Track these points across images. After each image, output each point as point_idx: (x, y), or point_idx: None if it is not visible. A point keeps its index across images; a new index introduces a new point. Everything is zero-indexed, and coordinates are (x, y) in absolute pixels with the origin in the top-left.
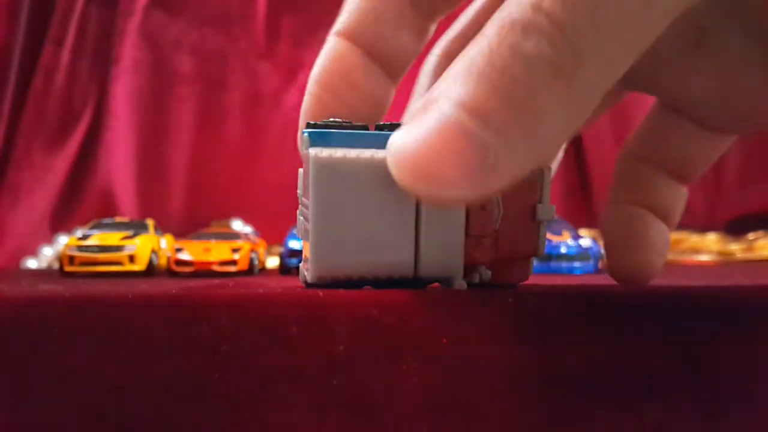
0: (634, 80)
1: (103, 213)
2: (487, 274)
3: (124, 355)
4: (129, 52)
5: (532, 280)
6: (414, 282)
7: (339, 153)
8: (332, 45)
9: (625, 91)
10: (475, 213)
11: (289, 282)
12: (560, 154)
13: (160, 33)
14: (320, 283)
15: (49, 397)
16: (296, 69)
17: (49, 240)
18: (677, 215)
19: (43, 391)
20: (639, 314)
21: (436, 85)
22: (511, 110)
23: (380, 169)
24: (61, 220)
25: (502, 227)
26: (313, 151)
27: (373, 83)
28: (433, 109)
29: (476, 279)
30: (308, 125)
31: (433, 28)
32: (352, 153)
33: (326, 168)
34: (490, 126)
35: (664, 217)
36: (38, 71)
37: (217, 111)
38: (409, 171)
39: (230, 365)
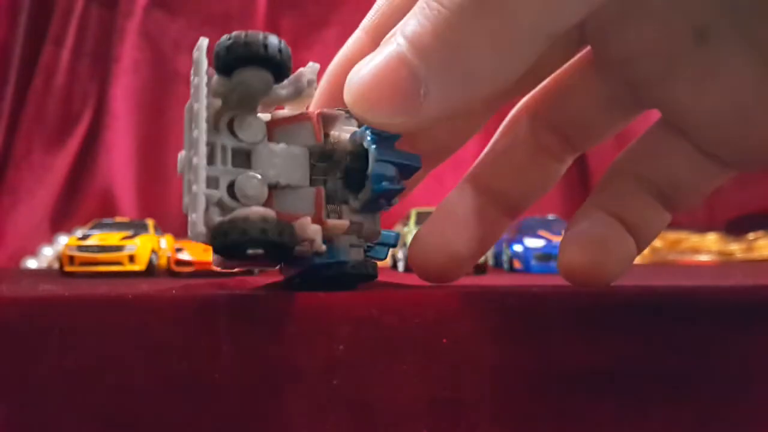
0: (644, 95)
1: (103, 213)
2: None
3: (123, 356)
4: (129, 52)
5: (533, 280)
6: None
7: None
8: (354, 39)
9: (634, 110)
10: None
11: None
12: (562, 171)
13: (160, 33)
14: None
15: (50, 398)
16: (296, 69)
17: (49, 240)
18: (650, 238)
19: (44, 391)
20: (639, 315)
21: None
22: (440, 42)
23: None
24: (61, 220)
25: None
26: None
27: None
28: (389, 44)
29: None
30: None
31: None
32: None
33: None
34: (424, 57)
35: (636, 236)
36: (38, 71)
37: None
38: (352, 94)
39: (230, 365)
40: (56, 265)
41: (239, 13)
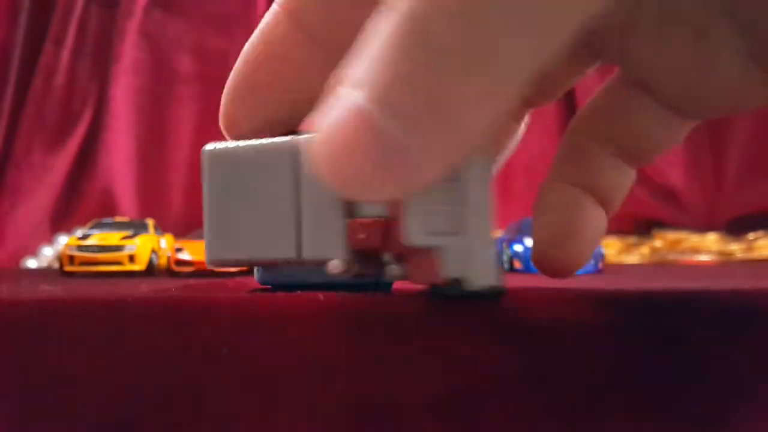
0: (602, 51)
1: (103, 213)
2: (395, 270)
3: (123, 358)
4: (129, 52)
5: (533, 281)
6: (299, 264)
7: (224, 144)
8: (272, 18)
9: (592, 61)
10: None
11: None
12: (521, 130)
13: (160, 33)
14: (218, 266)
15: (49, 400)
16: None
17: (49, 240)
18: (620, 199)
19: (43, 393)
20: (641, 315)
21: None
22: (417, 101)
23: (259, 154)
24: (61, 220)
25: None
26: (205, 147)
27: (313, 67)
28: (343, 95)
29: (389, 272)
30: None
31: None
32: (236, 143)
33: (214, 159)
34: (400, 119)
35: (604, 201)
36: (38, 71)
37: (217, 111)
38: (323, 173)
39: (230, 368)
40: (56, 265)
41: (239, 13)
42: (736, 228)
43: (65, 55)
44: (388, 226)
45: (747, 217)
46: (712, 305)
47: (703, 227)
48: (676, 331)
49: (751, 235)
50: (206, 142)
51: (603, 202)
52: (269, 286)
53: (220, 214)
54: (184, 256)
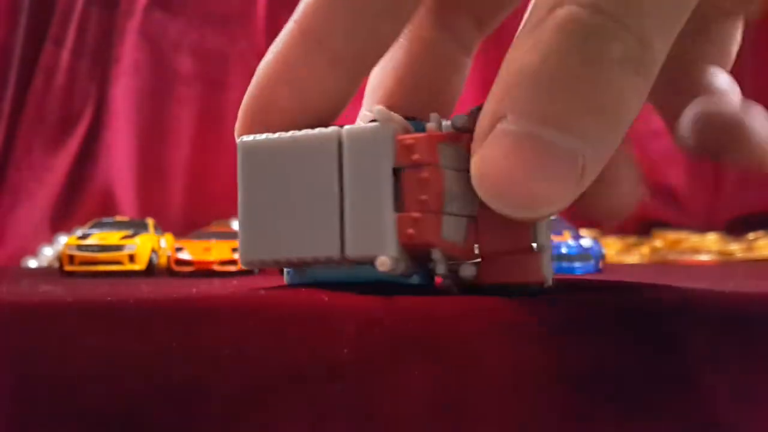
0: None
1: (103, 213)
2: (469, 270)
3: (123, 358)
4: (129, 52)
5: None
6: (342, 263)
7: (263, 136)
8: (288, 39)
9: None
10: (409, 186)
11: None
12: None
13: (160, 33)
14: (253, 266)
15: (49, 400)
16: None
17: (49, 240)
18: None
19: (43, 393)
20: (642, 315)
21: (494, 98)
22: (592, 114)
23: (300, 145)
24: (61, 220)
25: (483, 214)
26: (240, 138)
27: (332, 85)
28: (507, 130)
29: (441, 269)
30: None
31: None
32: (275, 134)
33: (250, 152)
34: (575, 133)
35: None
36: (38, 71)
37: (217, 111)
38: (503, 200)
39: (232, 369)
40: (56, 265)
41: (239, 13)
42: (736, 228)
43: (65, 55)
44: (439, 222)
45: (747, 217)
46: (712, 305)
47: (703, 227)
48: (676, 331)
49: (751, 235)
50: (206, 143)
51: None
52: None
53: (256, 211)
54: (184, 255)
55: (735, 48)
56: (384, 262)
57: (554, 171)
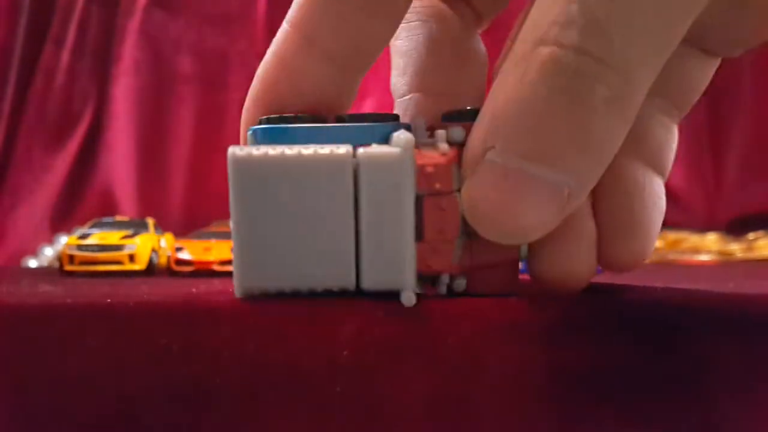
0: None
1: (103, 212)
2: (461, 284)
3: (124, 360)
4: (129, 52)
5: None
6: (357, 295)
7: (261, 150)
8: (284, 37)
9: None
10: (430, 215)
11: None
12: None
13: (160, 33)
14: (251, 295)
15: (49, 400)
16: None
17: (49, 240)
18: (670, 162)
19: (43, 393)
20: (642, 316)
21: (478, 135)
22: (577, 150)
23: (310, 165)
24: (61, 220)
25: (476, 235)
26: (232, 150)
27: (329, 81)
28: (496, 163)
29: (443, 290)
30: (259, 121)
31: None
32: (277, 150)
33: (245, 167)
34: (561, 168)
35: (656, 166)
36: (38, 71)
37: (217, 111)
38: (493, 230)
39: (232, 370)
40: (56, 265)
41: (239, 13)
42: (736, 228)
43: (65, 55)
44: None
45: (747, 217)
46: (712, 305)
47: (703, 227)
48: (676, 331)
49: (751, 235)
50: (206, 142)
51: (655, 168)
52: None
53: (254, 235)
54: (184, 255)
55: (696, 94)
56: (410, 298)
57: (540, 202)
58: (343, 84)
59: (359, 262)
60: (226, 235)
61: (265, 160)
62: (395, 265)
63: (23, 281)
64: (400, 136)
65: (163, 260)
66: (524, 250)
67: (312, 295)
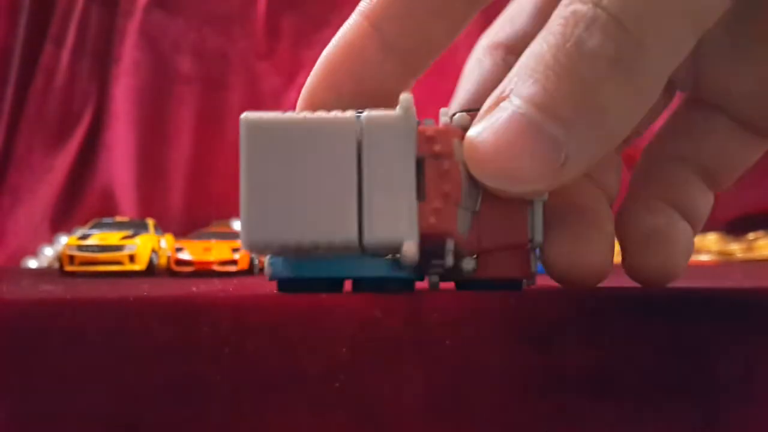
0: (675, 80)
1: (103, 213)
2: (470, 263)
3: (124, 359)
4: (129, 52)
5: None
6: (360, 254)
7: (271, 114)
8: (354, 26)
9: (669, 95)
10: (431, 175)
11: None
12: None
13: (160, 33)
14: (256, 251)
15: (49, 400)
16: (296, 69)
17: (50, 240)
18: (702, 222)
19: (43, 393)
20: (642, 316)
21: (505, 81)
22: (578, 107)
23: (316, 128)
24: (61, 220)
25: (485, 209)
26: (244, 114)
27: (389, 73)
28: (506, 107)
29: (449, 261)
30: None
31: (470, 19)
32: (285, 114)
33: (256, 130)
34: (560, 122)
35: (691, 221)
36: (38, 71)
37: (217, 111)
38: (485, 167)
39: (232, 368)
40: (56, 265)
41: (239, 13)
42: (736, 228)
43: (65, 55)
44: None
45: (747, 217)
46: (714, 305)
47: (704, 227)
48: (676, 331)
49: (751, 235)
50: (206, 143)
51: (689, 221)
52: (284, 280)
53: (261, 192)
54: (184, 256)
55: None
56: (410, 248)
57: (537, 151)
58: (402, 78)
59: (362, 218)
60: (226, 236)
61: (275, 123)
62: (396, 220)
63: (23, 281)
64: (403, 96)
65: (163, 261)
66: (537, 238)
67: (314, 252)
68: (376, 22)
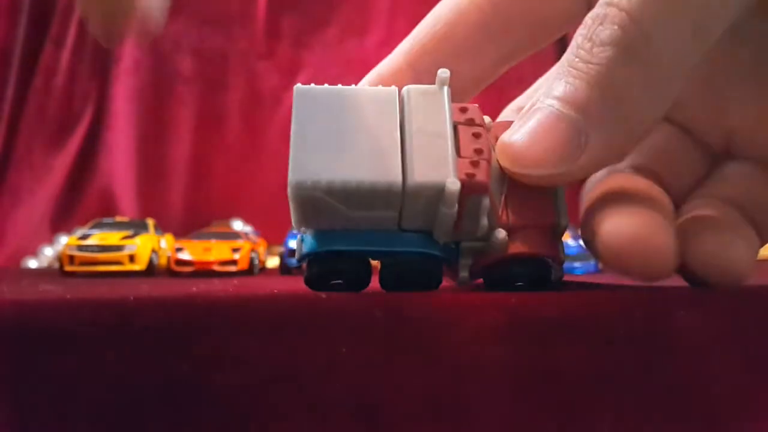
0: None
1: (103, 213)
2: (501, 233)
3: (123, 359)
4: (129, 52)
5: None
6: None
7: (322, 86)
8: (393, 65)
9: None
10: (465, 137)
11: (289, 282)
12: None
13: (160, 33)
14: (302, 192)
15: (49, 400)
16: (296, 69)
17: (50, 240)
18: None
19: (43, 393)
20: (642, 316)
21: (535, 95)
22: (596, 94)
23: (361, 94)
24: (61, 220)
25: (512, 194)
26: (297, 85)
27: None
28: (536, 108)
29: (483, 222)
30: None
31: (497, 74)
32: (336, 87)
33: (306, 96)
34: (582, 110)
35: (758, 226)
36: (38, 71)
37: (217, 111)
38: (513, 155)
39: (231, 368)
40: (56, 265)
41: (239, 13)
42: None
43: (65, 55)
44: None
45: None
46: (712, 304)
47: None
48: (676, 331)
49: None
50: (206, 143)
51: (755, 226)
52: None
53: (310, 141)
54: (184, 256)
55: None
56: (454, 184)
57: (557, 137)
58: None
59: (405, 163)
60: (225, 236)
61: (323, 90)
62: (437, 162)
63: (23, 281)
64: (440, 71)
65: (163, 261)
66: (563, 222)
67: (359, 192)
68: (411, 61)
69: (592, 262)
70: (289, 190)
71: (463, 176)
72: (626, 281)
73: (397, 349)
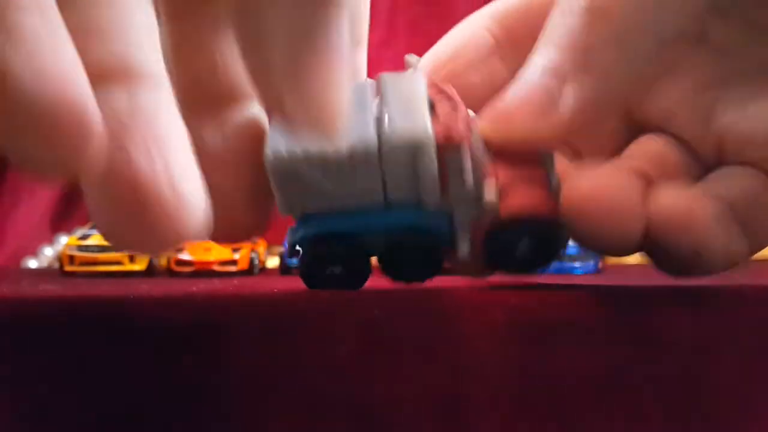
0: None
1: None
2: (490, 187)
3: (123, 359)
4: None
5: (537, 280)
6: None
7: None
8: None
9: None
10: (442, 107)
11: (290, 282)
12: None
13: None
14: (279, 164)
15: (49, 400)
16: None
17: (50, 240)
18: None
19: (43, 393)
20: (641, 316)
21: None
22: (566, 52)
23: None
24: (61, 220)
25: (500, 162)
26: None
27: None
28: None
29: (467, 163)
30: None
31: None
32: None
33: None
34: (553, 70)
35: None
36: None
37: None
38: (491, 120)
39: (231, 368)
40: (56, 265)
41: None
42: None
43: None
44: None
45: None
46: (712, 304)
47: None
48: (676, 331)
49: None
50: None
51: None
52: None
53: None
54: (184, 256)
55: None
56: (426, 131)
57: (527, 95)
58: None
59: (381, 128)
60: None
61: None
62: (413, 120)
63: (23, 281)
64: (409, 58)
65: (163, 260)
66: (554, 182)
67: (338, 160)
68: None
69: (592, 262)
70: (266, 163)
71: (440, 129)
72: (626, 281)
73: (397, 349)
